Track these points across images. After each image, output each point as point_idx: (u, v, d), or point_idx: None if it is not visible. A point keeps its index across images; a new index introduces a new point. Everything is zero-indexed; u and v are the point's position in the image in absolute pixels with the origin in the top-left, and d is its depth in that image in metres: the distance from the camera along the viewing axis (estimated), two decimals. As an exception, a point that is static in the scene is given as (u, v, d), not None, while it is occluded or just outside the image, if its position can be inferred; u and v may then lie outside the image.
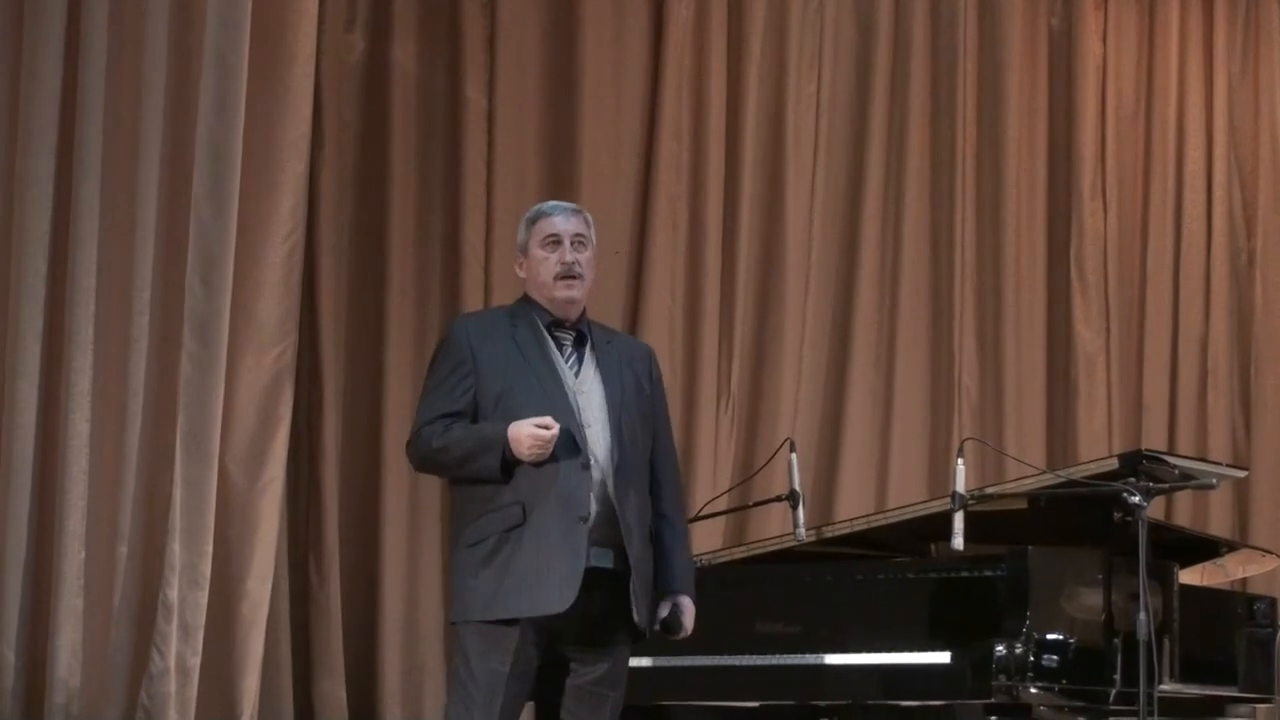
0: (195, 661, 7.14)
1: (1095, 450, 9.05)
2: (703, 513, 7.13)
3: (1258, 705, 6.97)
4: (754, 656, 6.05)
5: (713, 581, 6.38)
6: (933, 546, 6.52)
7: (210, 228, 7.31)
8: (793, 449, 6.34)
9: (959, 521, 5.82)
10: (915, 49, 9.38)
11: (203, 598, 7.18)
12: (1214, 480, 6.35)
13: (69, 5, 7.21)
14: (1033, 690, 5.66)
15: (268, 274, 7.55)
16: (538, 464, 4.78)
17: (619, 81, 8.69)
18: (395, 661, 7.83)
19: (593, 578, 4.79)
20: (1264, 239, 10.13)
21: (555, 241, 5.01)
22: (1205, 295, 9.98)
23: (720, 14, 8.89)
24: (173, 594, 7.12)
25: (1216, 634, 6.45)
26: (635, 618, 4.87)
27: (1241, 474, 7.31)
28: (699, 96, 8.83)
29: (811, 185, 9.09)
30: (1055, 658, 5.69)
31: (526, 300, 5.06)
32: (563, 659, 4.87)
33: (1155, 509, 5.99)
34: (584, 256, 5.01)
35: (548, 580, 4.76)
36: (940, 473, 8.90)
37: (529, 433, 4.76)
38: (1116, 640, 5.83)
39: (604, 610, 4.84)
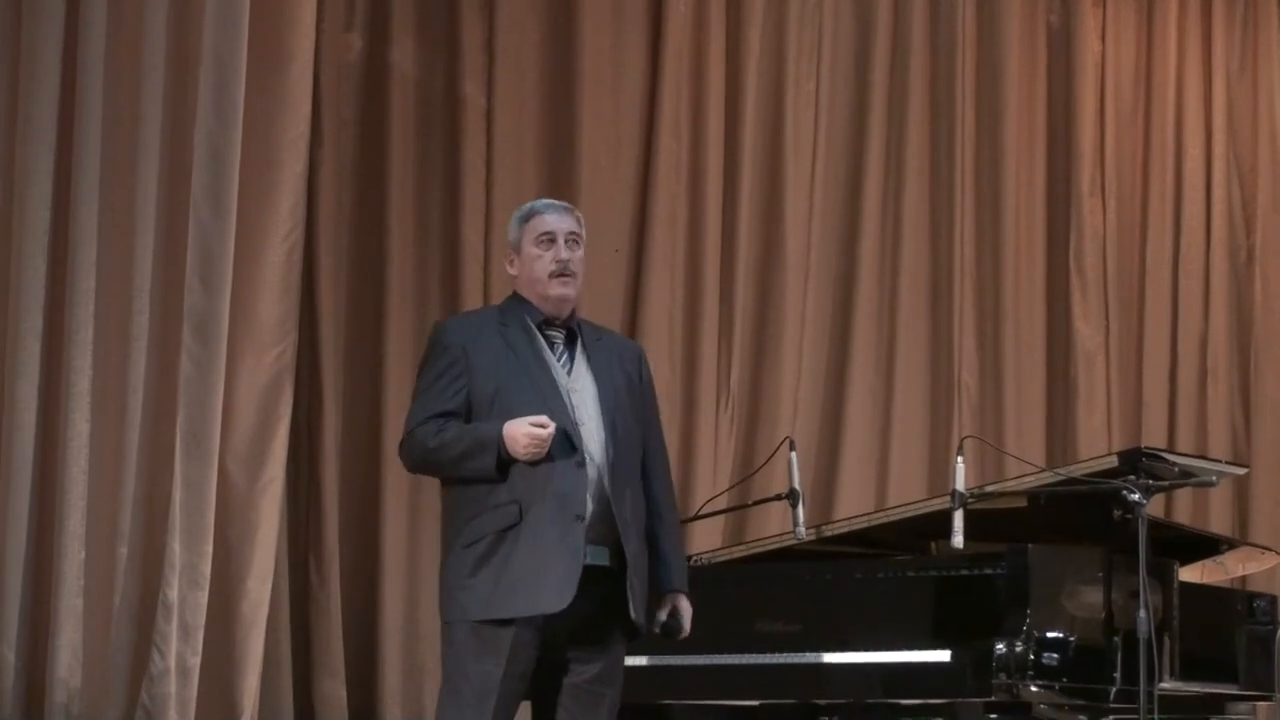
0: (195, 661, 7.14)
1: (1095, 448, 9.05)
2: (702, 511, 7.13)
3: (1258, 703, 6.97)
4: (754, 655, 6.05)
5: (712, 580, 6.40)
6: (933, 545, 6.51)
7: (209, 227, 7.31)
8: (792, 447, 6.34)
9: (959, 520, 5.82)
10: (914, 47, 9.38)
11: (203, 597, 7.18)
12: (1214, 478, 6.34)
13: (68, 5, 7.21)
14: (1033, 688, 5.66)
15: (267, 273, 7.55)
16: (533, 463, 4.78)
17: (618, 80, 8.69)
18: (395, 661, 7.84)
19: (589, 576, 4.79)
20: (1263, 236, 10.14)
21: (550, 240, 5.00)
22: (1205, 292, 9.99)
23: (719, 12, 8.89)
24: (173, 594, 7.12)
25: (1217, 632, 6.45)
26: (633, 615, 4.86)
27: (1241, 471, 7.30)
28: (698, 95, 8.83)
29: (811, 183, 9.09)
30: (1055, 656, 5.69)
31: (516, 299, 5.05)
32: (559, 658, 4.86)
33: (1155, 506, 5.99)
34: (577, 255, 5.01)
35: (546, 579, 4.75)
36: (940, 471, 8.90)
37: (525, 431, 4.75)
38: (1117, 638, 5.83)
39: (600, 608, 4.83)
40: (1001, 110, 9.61)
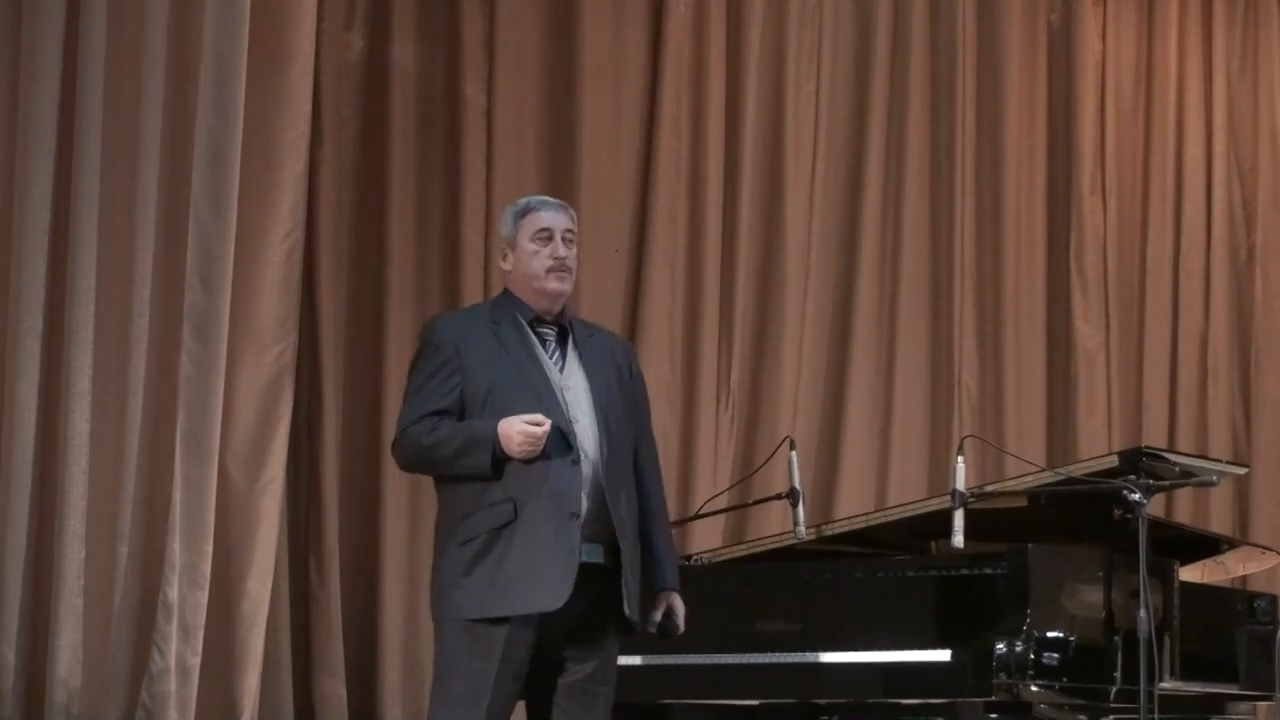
0: (195, 661, 7.14)
1: (1095, 447, 9.05)
2: (703, 511, 7.14)
3: (1258, 703, 6.97)
4: (754, 655, 6.05)
5: (713, 579, 6.40)
6: (933, 544, 6.51)
7: (209, 227, 7.31)
8: (792, 447, 6.34)
9: (959, 519, 5.82)
10: (914, 46, 9.38)
11: (203, 597, 7.18)
12: (1214, 477, 6.34)
13: (68, 5, 7.21)
14: (1033, 688, 5.66)
15: (267, 273, 7.55)
16: (528, 461, 4.76)
17: (618, 79, 8.68)
18: (395, 660, 7.83)
19: (584, 574, 4.78)
20: (1263, 235, 10.14)
21: (547, 236, 5.01)
22: (1205, 292, 9.99)
23: (719, 11, 8.89)
24: (173, 593, 7.12)
25: (1217, 631, 6.45)
26: (627, 611, 4.85)
27: (1242, 471, 7.30)
28: (698, 94, 8.83)
29: (811, 182, 9.09)
30: (1056, 655, 5.69)
31: (507, 296, 5.04)
32: (554, 657, 4.85)
33: (1155, 506, 5.99)
34: (573, 252, 5.02)
35: (542, 578, 4.74)
36: (940, 470, 8.90)
37: (520, 429, 4.74)
38: (1117, 638, 5.83)
39: (594, 606, 4.83)
40: (1002, 110, 9.61)
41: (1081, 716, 5.91)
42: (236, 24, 7.36)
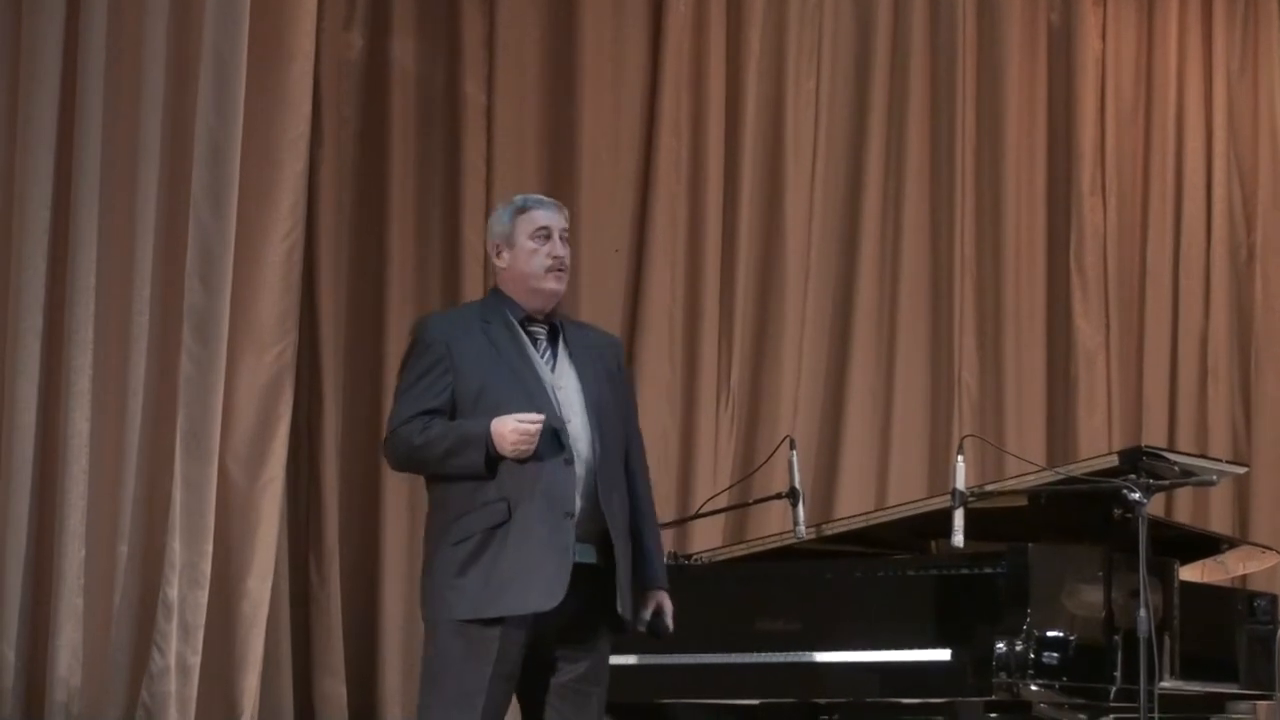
0: (195, 660, 7.14)
1: (1095, 447, 9.05)
2: (703, 510, 7.14)
3: (1258, 702, 6.97)
4: (754, 654, 6.04)
5: (713, 579, 6.40)
6: (933, 544, 6.51)
7: (209, 226, 7.31)
8: (793, 446, 6.34)
9: (959, 519, 5.82)
10: (914, 45, 9.38)
11: (203, 597, 7.18)
12: (1214, 477, 6.34)
13: (67, 5, 7.21)
14: (1033, 687, 5.66)
15: (267, 272, 7.55)
16: (521, 461, 4.74)
17: (618, 78, 8.68)
18: (395, 660, 7.83)
19: (576, 573, 4.76)
20: (1264, 234, 10.14)
21: (546, 235, 4.97)
22: (1205, 291, 9.99)
23: (719, 11, 8.89)
24: (173, 593, 7.12)
25: (1217, 631, 6.45)
26: (621, 611, 4.84)
27: (1242, 470, 7.30)
28: (698, 93, 8.83)
29: (811, 181, 9.09)
30: (1056, 655, 5.69)
31: (497, 295, 5.01)
32: (546, 657, 4.83)
33: (1155, 506, 5.99)
34: (568, 253, 5.01)
35: (536, 578, 4.73)
36: (940, 470, 8.89)
37: (514, 427, 4.72)
38: (1117, 637, 5.82)
39: (586, 605, 4.80)
40: (1002, 109, 9.61)
41: (1081, 716, 5.91)
42: (236, 23, 7.36)
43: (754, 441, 8.80)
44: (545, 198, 5.09)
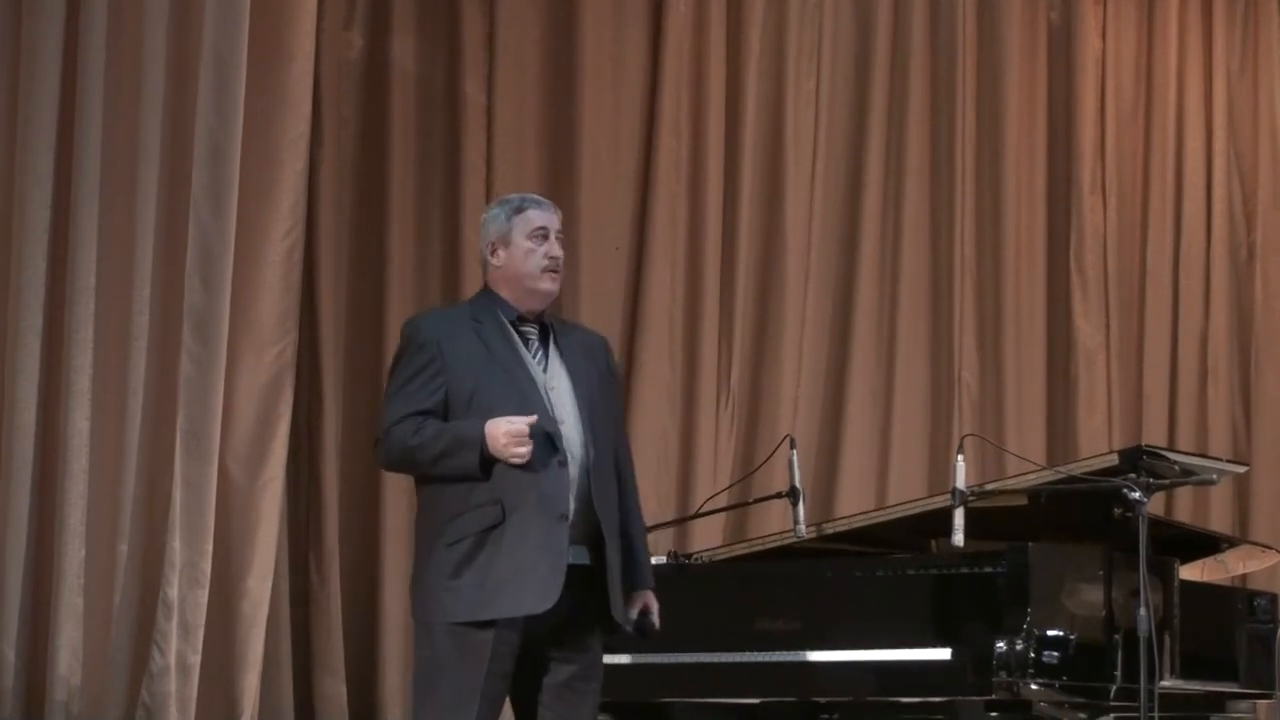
0: (195, 660, 7.14)
1: (1095, 446, 9.05)
2: (703, 509, 7.14)
3: (1258, 701, 6.97)
4: (754, 653, 6.04)
5: (713, 578, 6.40)
6: (933, 543, 6.51)
7: (209, 226, 7.31)
8: (793, 446, 6.34)
9: (959, 518, 5.82)
10: (914, 45, 9.38)
11: (203, 596, 7.18)
12: (1214, 476, 6.34)
13: (67, 5, 7.21)
14: (1033, 687, 5.66)
15: (267, 272, 7.55)
16: (513, 462, 4.73)
17: (618, 78, 8.69)
18: (395, 659, 7.83)
19: (569, 574, 4.75)
20: (1264, 233, 10.15)
21: (543, 235, 4.96)
22: (1205, 290, 9.99)
23: (719, 11, 8.89)
24: (173, 592, 7.12)
25: (1217, 630, 6.45)
26: (615, 614, 4.84)
27: (1242, 469, 7.30)
28: (698, 93, 8.83)
29: (811, 181, 9.09)
30: (1056, 654, 5.68)
31: (488, 294, 4.99)
32: (538, 657, 4.83)
33: (1155, 505, 5.99)
34: (562, 254, 5.00)
35: (531, 580, 4.72)
36: (940, 469, 8.90)
37: (506, 429, 4.71)
38: (1117, 636, 5.82)
39: (578, 606, 4.80)
40: (1002, 109, 9.61)
41: (1082, 715, 5.91)
42: (236, 23, 7.36)
43: (754, 441, 8.80)
44: (541, 198, 5.08)
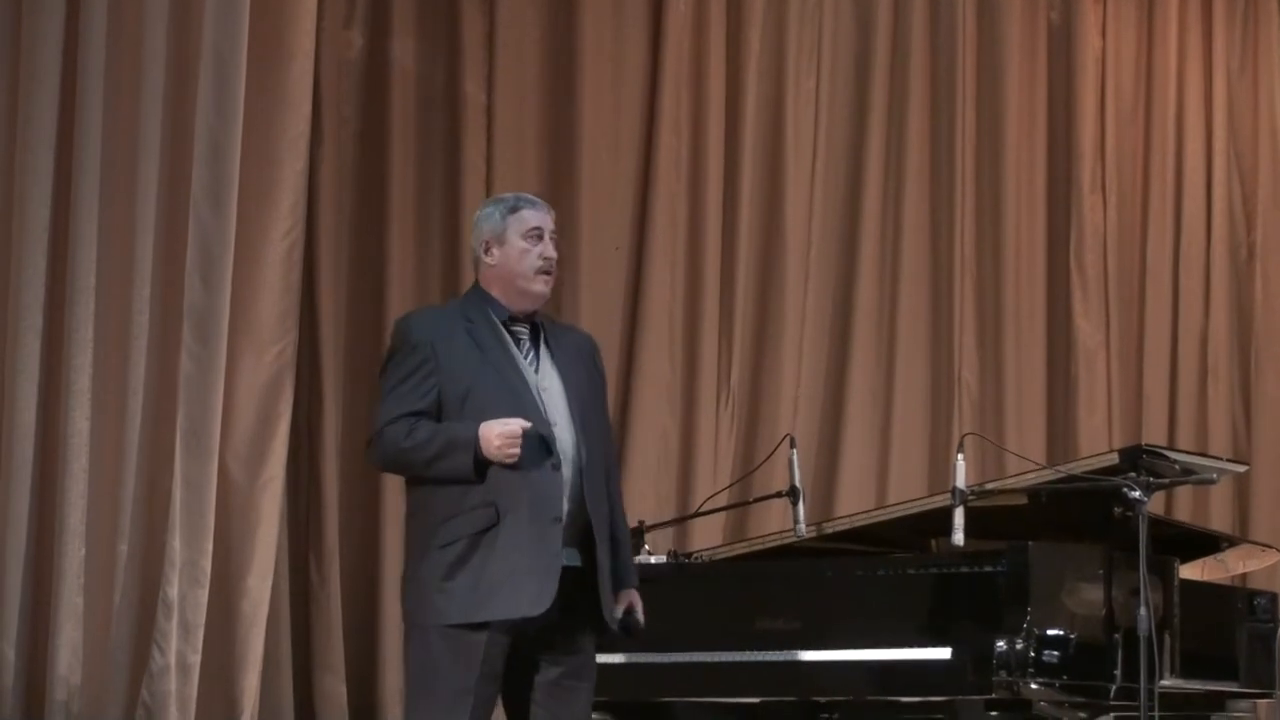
0: (196, 659, 7.14)
1: (1095, 445, 9.05)
2: (703, 509, 7.14)
3: (1259, 700, 6.97)
4: (754, 652, 6.04)
5: (713, 577, 6.40)
6: (933, 542, 6.51)
7: (209, 225, 7.31)
8: (793, 445, 6.34)
9: (959, 517, 5.82)
10: (914, 44, 9.38)
11: (203, 595, 7.18)
12: (1214, 475, 6.34)
13: (67, 5, 7.21)
14: (1033, 686, 5.65)
15: (267, 271, 7.55)
16: (508, 465, 4.71)
17: (618, 77, 8.69)
18: (395, 658, 7.81)
19: (561, 576, 4.75)
20: (1264, 233, 10.15)
21: (538, 235, 4.93)
22: (1205, 289, 9.99)
23: (719, 10, 8.89)
24: (173, 591, 7.13)
25: (1217, 629, 6.44)
26: (606, 616, 4.84)
27: (1242, 469, 7.29)
28: (698, 92, 8.83)
29: (811, 180, 9.09)
30: (1056, 653, 5.68)
31: (479, 294, 4.96)
32: (529, 656, 4.82)
33: (1156, 504, 5.99)
34: (556, 255, 4.99)
35: (525, 583, 4.71)
36: (940, 468, 8.90)
37: (499, 431, 4.69)
38: (1117, 636, 5.82)
39: (569, 607, 4.78)
40: (1002, 108, 9.61)
41: (1082, 714, 5.91)
42: (236, 22, 7.36)
43: (754, 441, 8.80)
44: (535, 198, 5.06)
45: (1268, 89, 10.22)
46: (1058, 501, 6.18)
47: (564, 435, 4.84)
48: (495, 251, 4.94)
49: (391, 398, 4.83)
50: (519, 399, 4.81)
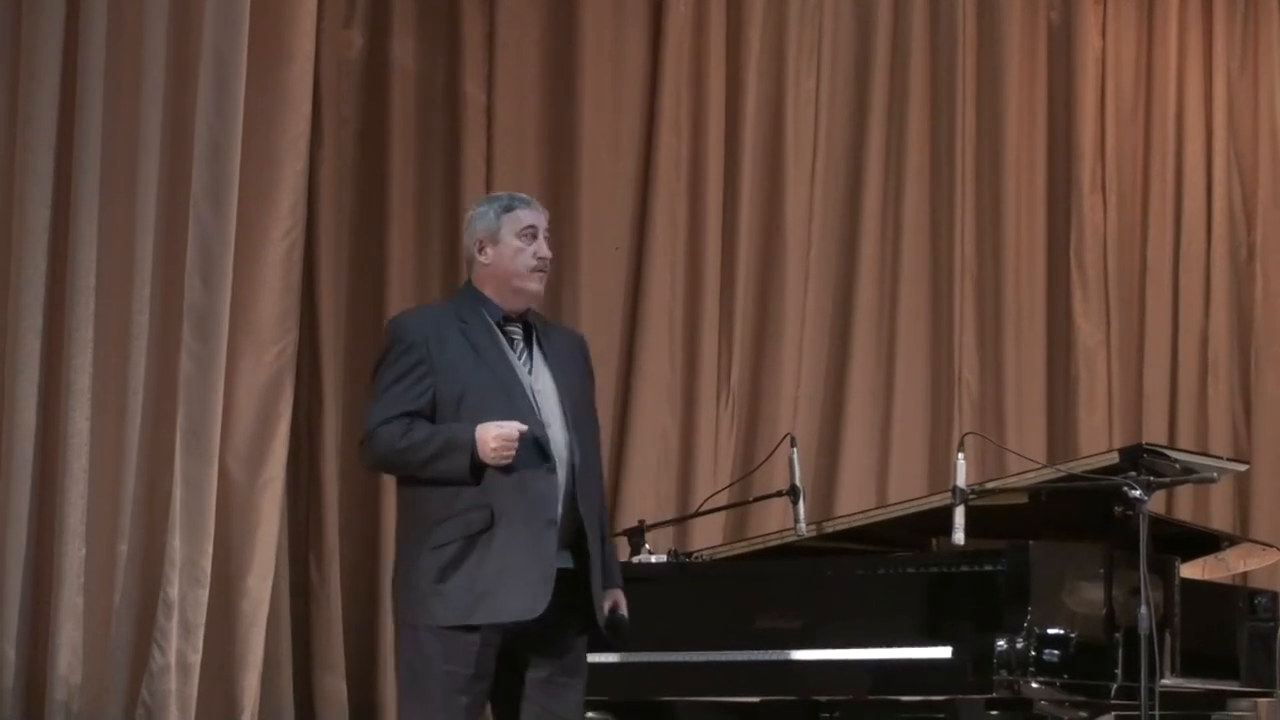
0: (196, 659, 7.14)
1: (1096, 444, 9.06)
2: (703, 508, 7.14)
3: (1259, 699, 6.97)
4: (754, 652, 6.04)
5: (713, 576, 6.40)
6: (933, 541, 6.51)
7: (209, 225, 7.31)
8: (793, 444, 6.34)
9: (959, 516, 5.82)
10: (914, 44, 9.38)
11: (203, 595, 7.18)
12: (1215, 474, 6.34)
13: (67, 5, 7.21)
14: (1034, 685, 5.65)
15: (267, 271, 7.55)
16: (503, 468, 4.70)
17: (618, 77, 8.69)
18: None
19: (555, 578, 4.75)
20: (1264, 232, 10.15)
21: (533, 234, 4.93)
22: (1205, 289, 9.99)
23: (719, 10, 8.89)
24: (173, 591, 7.13)
25: (1218, 628, 6.44)
26: (599, 619, 4.84)
27: (1242, 468, 7.29)
28: (698, 92, 8.83)
29: (811, 180, 9.09)
30: (1056, 652, 5.68)
31: (473, 293, 4.95)
32: (520, 656, 4.82)
33: (1156, 503, 5.99)
34: (550, 254, 4.99)
35: (520, 586, 4.71)
36: (941, 468, 8.90)
37: (495, 434, 4.69)
38: (1118, 635, 5.82)
39: (560, 607, 4.77)
40: (1002, 108, 9.61)
41: (1082, 713, 5.91)
42: (236, 22, 7.36)
43: (754, 440, 8.80)
44: (529, 197, 5.06)
45: (1268, 89, 10.22)
46: (1058, 501, 6.18)
47: (557, 436, 4.84)
48: (489, 250, 4.94)
49: (386, 397, 4.82)
50: (514, 400, 4.81)
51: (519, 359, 4.90)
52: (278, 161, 7.59)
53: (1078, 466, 6.20)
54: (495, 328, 4.90)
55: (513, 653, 4.81)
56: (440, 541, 4.76)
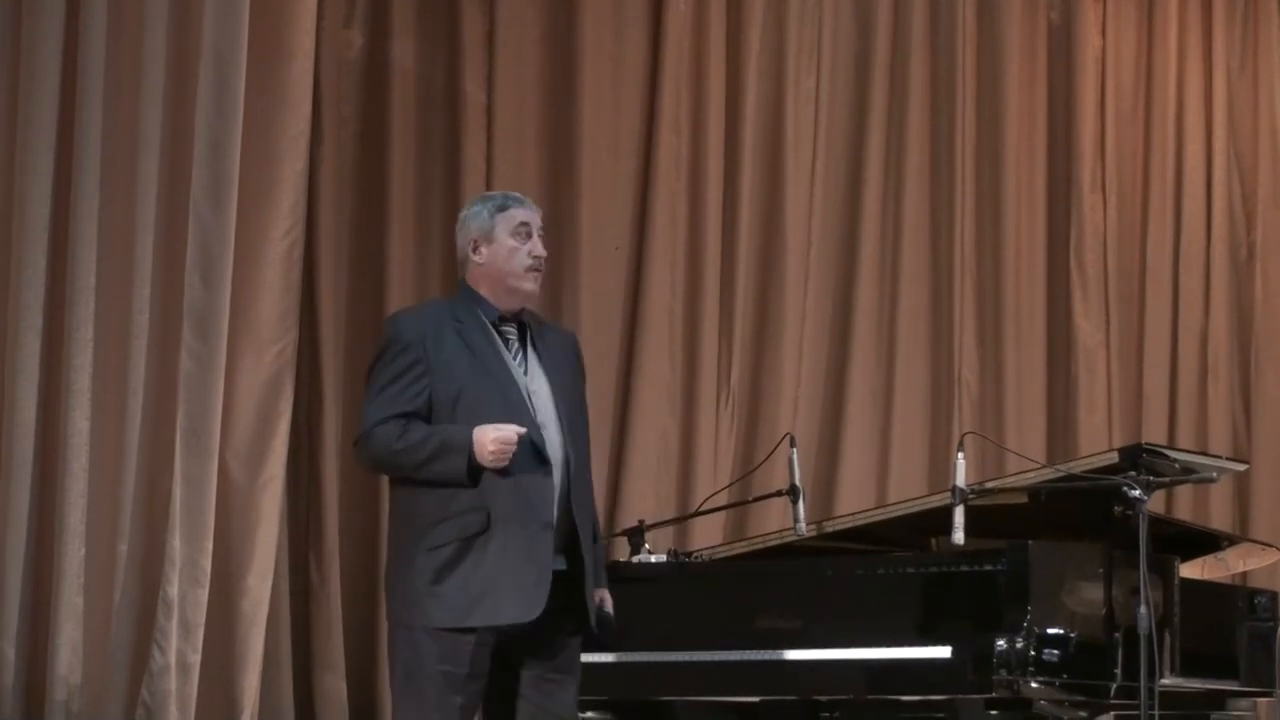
0: (196, 658, 7.14)
1: (1095, 444, 9.06)
2: (703, 508, 7.14)
3: (1259, 699, 6.97)
4: (754, 652, 6.04)
5: (713, 576, 6.40)
6: (933, 541, 6.51)
7: (209, 225, 7.31)
8: (793, 444, 6.34)
9: (959, 516, 5.82)
10: (914, 43, 9.39)
11: (203, 594, 7.18)
12: (1214, 474, 6.34)
13: (67, 5, 7.21)
14: (1034, 685, 5.65)
15: (267, 271, 7.55)
16: (499, 471, 4.70)
17: (618, 77, 8.69)
18: (396, 658, 7.82)
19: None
20: (1264, 232, 10.15)
21: (528, 233, 4.93)
22: (1205, 288, 10.00)
23: (719, 9, 8.89)
24: (173, 591, 7.12)
25: (1217, 628, 6.44)
26: (592, 621, 4.84)
27: (1242, 467, 7.29)
28: (698, 92, 8.83)
29: (811, 180, 9.09)
30: (1056, 652, 5.68)
31: (468, 292, 4.95)
32: (513, 655, 4.82)
33: (1156, 503, 5.99)
34: (545, 253, 4.98)
35: (517, 588, 4.71)
36: (940, 467, 8.90)
37: (493, 437, 4.68)
38: (1117, 634, 5.82)
39: (554, 607, 4.77)
40: (1002, 107, 9.61)
41: (1082, 713, 5.91)
42: (236, 22, 7.36)
43: (754, 440, 8.80)
44: (522, 196, 5.06)
45: (1268, 89, 10.23)
46: (1058, 500, 6.18)
47: (552, 438, 4.84)
48: (484, 250, 4.94)
49: (382, 397, 4.81)
50: (510, 402, 4.80)
51: (514, 360, 4.90)
52: (278, 161, 7.59)
53: (1077, 466, 6.20)
54: (490, 328, 4.90)
55: (506, 652, 4.81)
56: (436, 543, 4.75)
